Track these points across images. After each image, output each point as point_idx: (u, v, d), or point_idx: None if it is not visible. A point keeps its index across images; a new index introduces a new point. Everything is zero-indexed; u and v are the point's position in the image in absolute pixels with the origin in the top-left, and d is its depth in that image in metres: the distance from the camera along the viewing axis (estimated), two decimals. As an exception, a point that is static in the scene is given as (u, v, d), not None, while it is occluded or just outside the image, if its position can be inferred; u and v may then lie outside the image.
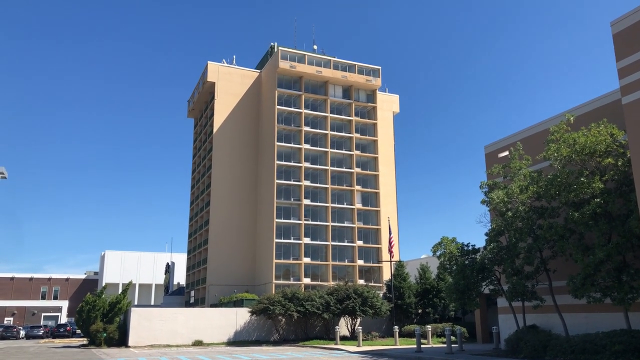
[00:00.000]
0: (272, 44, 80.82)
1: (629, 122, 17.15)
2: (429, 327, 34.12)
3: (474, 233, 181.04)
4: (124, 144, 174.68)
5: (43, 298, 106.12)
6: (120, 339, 37.90)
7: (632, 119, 17.02)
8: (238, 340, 38.92)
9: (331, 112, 75.10)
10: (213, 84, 77.35)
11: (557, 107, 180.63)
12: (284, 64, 72.37)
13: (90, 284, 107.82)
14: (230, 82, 78.05)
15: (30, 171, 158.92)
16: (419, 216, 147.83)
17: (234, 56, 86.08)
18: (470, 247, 26.30)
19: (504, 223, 23.43)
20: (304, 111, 73.36)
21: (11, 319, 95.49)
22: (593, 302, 19.78)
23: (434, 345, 31.75)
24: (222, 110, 76.53)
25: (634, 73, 16.94)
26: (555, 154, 20.70)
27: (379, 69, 78.11)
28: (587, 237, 20.63)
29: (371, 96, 78.33)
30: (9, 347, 41.19)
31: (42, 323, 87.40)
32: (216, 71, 77.37)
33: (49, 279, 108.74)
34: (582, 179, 19.79)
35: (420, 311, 43.23)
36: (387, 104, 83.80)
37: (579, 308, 22.12)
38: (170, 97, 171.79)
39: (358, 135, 76.13)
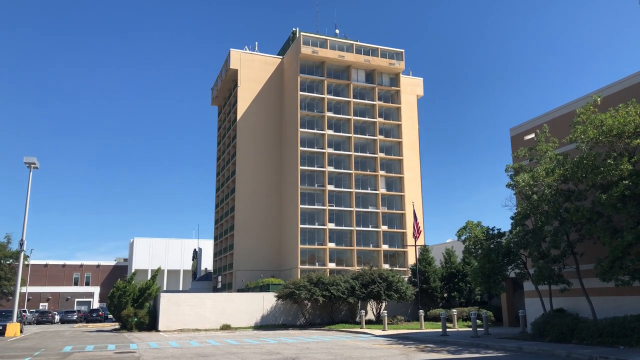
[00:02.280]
0: (293, 29, 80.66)
1: (659, 102, 16.74)
2: (454, 311, 34.13)
3: (500, 217, 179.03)
4: (150, 132, 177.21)
5: (75, 284, 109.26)
6: (151, 324, 38.90)
7: (661, 98, 16.60)
8: (265, 325, 39.58)
9: (354, 97, 74.82)
10: (236, 72, 77.71)
11: (586, 89, 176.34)
12: (306, 50, 72.20)
13: (120, 270, 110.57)
14: (253, 69, 78.28)
15: (61, 162, 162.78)
16: (444, 201, 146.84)
17: (256, 43, 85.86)
18: (496, 231, 26.15)
19: (529, 206, 23.18)
20: (327, 96, 73.22)
21: (46, 304, 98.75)
22: (621, 285, 19.54)
23: (460, 329, 31.78)
24: (245, 97, 76.93)
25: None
26: (582, 136, 20.36)
27: (402, 52, 77.32)
28: (615, 220, 20.34)
29: (394, 80, 77.68)
30: (45, 331, 42.68)
31: (75, 308, 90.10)
32: (239, 58, 77.64)
33: (81, 265, 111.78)
34: (609, 161, 19.44)
35: (445, 295, 43.22)
36: (411, 88, 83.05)
37: (607, 291, 21.87)
38: (195, 85, 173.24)
39: (382, 119, 75.75)
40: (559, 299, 24.44)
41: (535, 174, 22.85)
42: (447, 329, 27.93)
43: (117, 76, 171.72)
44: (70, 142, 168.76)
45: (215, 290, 76.76)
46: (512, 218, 24.82)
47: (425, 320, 36.20)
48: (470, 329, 26.56)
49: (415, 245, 44.48)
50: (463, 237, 26.73)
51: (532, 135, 26.72)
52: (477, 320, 28.78)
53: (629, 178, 19.02)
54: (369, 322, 38.27)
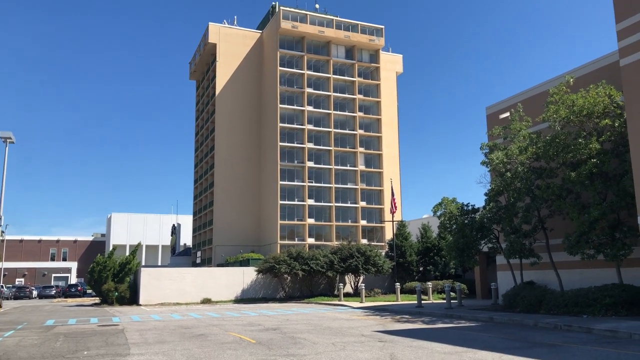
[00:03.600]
0: (273, 3, 79.67)
1: (626, 83, 17.47)
2: (429, 284, 35.26)
3: (474, 193, 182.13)
4: (127, 106, 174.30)
5: (52, 260, 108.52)
6: (131, 298, 39.24)
7: (629, 80, 17.34)
8: (245, 298, 40.26)
9: (334, 73, 74.75)
10: (214, 46, 76.76)
11: (562, 67, 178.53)
12: (285, 24, 71.62)
13: (98, 246, 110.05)
14: (232, 44, 77.41)
15: (36, 136, 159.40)
16: (422, 176, 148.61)
17: (235, 17, 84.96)
18: (470, 207, 27.01)
19: (503, 183, 23.99)
20: (307, 72, 73.00)
21: (22, 279, 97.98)
22: (587, 258, 20.57)
23: (435, 301, 32.88)
24: (224, 72, 76.23)
25: (632, 35, 17.15)
26: (554, 116, 21.09)
27: (382, 29, 77.25)
28: (583, 197, 21.25)
29: (374, 56, 77.71)
30: (24, 306, 42.70)
31: (52, 284, 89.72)
32: (217, 32, 76.64)
33: (57, 241, 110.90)
34: (579, 140, 20.23)
35: (421, 269, 44.39)
36: (391, 64, 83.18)
37: (574, 265, 22.92)
38: (172, 59, 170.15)
39: (361, 96, 75.98)
40: (529, 272, 25.50)
41: (509, 152, 23.61)
42: (423, 301, 28.92)
43: (93, 50, 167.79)
44: (46, 117, 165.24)
45: (195, 265, 77.15)
46: (486, 195, 25.64)
47: (401, 293, 37.25)
48: (445, 301, 27.60)
49: (393, 221, 45.40)
50: (438, 213, 27.56)
51: (507, 114, 27.39)
52: (451, 293, 29.87)
53: (597, 157, 19.86)
54: (347, 294, 39.23)
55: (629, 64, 17.19)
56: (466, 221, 26.34)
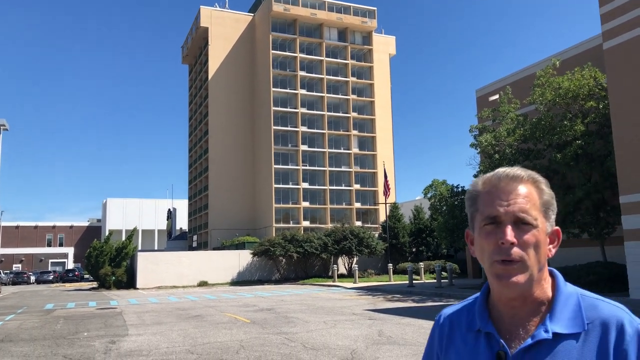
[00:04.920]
0: (265, -14, 79.12)
1: (609, 66, 17.86)
2: (421, 264, 35.96)
3: (467, 175, 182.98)
4: (121, 91, 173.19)
5: (49, 245, 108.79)
6: (129, 282, 39.79)
7: (612, 63, 17.72)
8: (241, 281, 40.89)
9: (327, 56, 74.64)
10: (206, 29, 76.37)
11: (556, 49, 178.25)
12: (277, 7, 71.29)
13: (94, 231, 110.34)
14: (224, 27, 77.03)
15: (30, 122, 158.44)
16: (415, 158, 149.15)
17: (227, 0, 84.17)
18: (460, 189, 27.57)
19: (491, 165, 24.45)
20: (299, 55, 72.87)
21: (19, 265, 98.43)
22: (572, 237, 21.18)
23: (426, 281, 33.58)
24: (216, 56, 75.98)
25: (615, 19, 17.48)
26: (540, 98, 21.50)
27: (374, 10, 77.02)
28: (569, 177, 21.76)
29: (367, 38, 77.56)
30: (23, 291, 43.21)
31: (49, 269, 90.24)
32: (209, 16, 76.21)
33: (53, 226, 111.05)
34: (565, 122, 20.69)
35: (414, 250, 45.11)
36: (384, 46, 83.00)
37: (561, 243, 23.47)
38: (164, 42, 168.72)
39: (354, 79, 76.00)
40: (517, 251, 26.10)
41: (497, 134, 24.06)
42: (414, 281, 29.57)
43: (85, 33, 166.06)
44: (39, 102, 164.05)
45: (191, 249, 77.74)
46: (474, 176, 26.05)
47: (394, 273, 37.93)
48: (436, 281, 28.27)
49: (386, 203, 45.93)
50: (429, 195, 28.13)
51: (497, 97, 27.78)
52: (442, 273, 30.51)
53: (582, 138, 20.33)
54: (341, 276, 39.91)
55: (612, 47, 17.56)
56: (456, 202, 26.91)
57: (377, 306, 19.11)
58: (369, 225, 67.84)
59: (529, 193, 1.27)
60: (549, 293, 1.28)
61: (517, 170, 1.31)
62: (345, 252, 40.87)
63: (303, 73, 73.20)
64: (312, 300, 22.41)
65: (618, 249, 21.16)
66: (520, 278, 1.21)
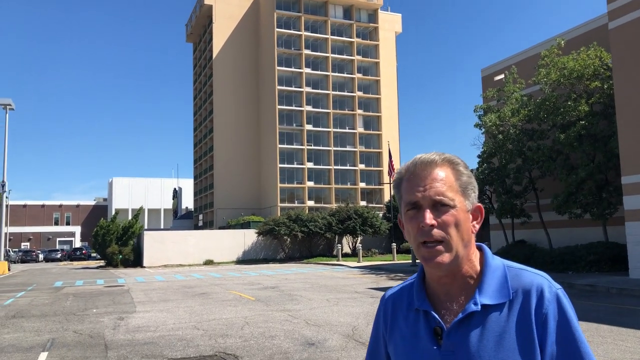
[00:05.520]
0: (269, -37, 78.16)
1: (614, 46, 17.76)
2: (425, 244, 36.16)
3: (471, 155, 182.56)
4: (126, 69, 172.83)
5: (56, 224, 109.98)
6: (135, 260, 40.35)
7: (617, 43, 17.62)
8: (246, 259, 41.37)
9: (332, 34, 73.98)
10: (210, 7, 75.77)
11: (563, 27, 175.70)
12: (282, -15, 70.51)
13: (100, 210, 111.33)
14: (228, 5, 76.37)
15: (36, 101, 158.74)
16: (421, 137, 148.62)
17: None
18: (464, 169, 27.61)
19: (495, 145, 24.52)
20: (304, 33, 72.28)
21: (27, 244, 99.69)
22: (574, 217, 21.31)
23: (430, 260, 33.82)
24: (220, 35, 75.50)
25: (621, -2, 17.34)
26: (545, 79, 21.42)
27: (380, -12, 76.01)
28: (572, 158, 21.80)
29: (373, 16, 76.72)
30: (32, 269, 43.92)
31: (57, 247, 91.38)
32: (213, -7, 75.55)
33: (60, 205, 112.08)
34: (569, 103, 20.63)
35: (418, 229, 45.32)
36: (389, 24, 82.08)
37: (563, 223, 23.68)
38: (168, 20, 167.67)
39: (360, 57, 75.39)
40: (521, 232, 26.31)
41: (502, 114, 24.03)
42: (417, 260, 29.80)
43: (89, 13, 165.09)
44: (46, 81, 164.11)
45: (197, 228, 78.39)
46: (478, 156, 26.21)
47: (398, 253, 38.25)
48: (439, 260, 28.52)
49: (390, 183, 46.06)
50: (433, 175, 28.14)
51: (502, 76, 27.63)
52: (446, 252, 30.71)
53: (586, 119, 20.31)
54: (345, 255, 40.30)
55: (617, 26, 17.44)
56: (460, 183, 26.96)
57: (380, 285, 19.40)
58: (374, 205, 68.07)
59: (446, 176, 1.33)
60: (478, 267, 1.35)
61: (431, 155, 1.37)
62: (350, 231, 41.18)
63: (308, 51, 72.70)
64: (315, 279, 22.74)
65: (619, 230, 21.28)
66: (445, 258, 1.27)
